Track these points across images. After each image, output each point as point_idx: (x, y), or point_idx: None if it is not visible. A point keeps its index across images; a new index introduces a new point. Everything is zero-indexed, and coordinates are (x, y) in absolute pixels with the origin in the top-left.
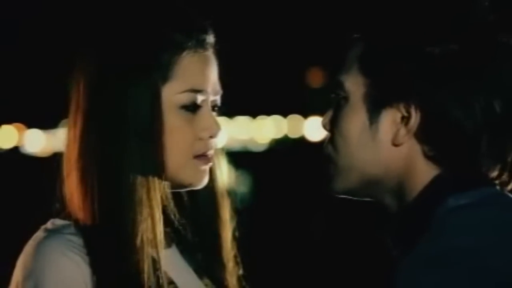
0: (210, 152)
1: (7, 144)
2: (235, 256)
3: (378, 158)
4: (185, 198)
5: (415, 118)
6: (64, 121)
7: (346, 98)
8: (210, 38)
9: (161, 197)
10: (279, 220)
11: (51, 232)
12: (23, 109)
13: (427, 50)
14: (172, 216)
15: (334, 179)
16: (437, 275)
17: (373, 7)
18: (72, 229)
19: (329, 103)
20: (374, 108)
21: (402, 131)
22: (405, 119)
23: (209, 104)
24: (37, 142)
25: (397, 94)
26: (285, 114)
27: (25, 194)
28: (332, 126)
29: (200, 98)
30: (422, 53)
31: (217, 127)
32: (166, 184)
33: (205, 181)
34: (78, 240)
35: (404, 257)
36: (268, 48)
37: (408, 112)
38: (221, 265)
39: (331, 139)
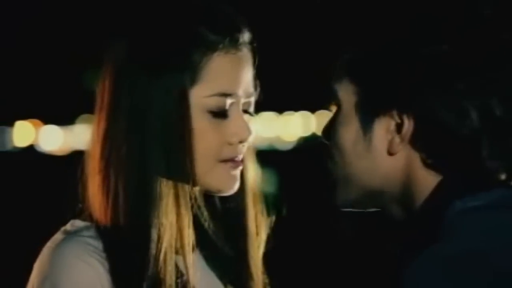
0: (239, 157)
1: (23, 142)
2: (262, 263)
3: (375, 168)
4: (217, 202)
5: (408, 125)
6: (82, 117)
7: (339, 107)
8: (244, 38)
9: (191, 203)
10: (307, 220)
11: (69, 235)
12: (38, 104)
13: (415, 53)
14: (203, 221)
15: (334, 191)
16: (456, 280)
17: (358, 14)
18: (92, 232)
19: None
20: (367, 117)
21: (396, 139)
22: (399, 127)
23: (240, 107)
24: (54, 139)
25: (388, 101)
26: (313, 110)
27: (44, 195)
28: (329, 136)
29: (229, 102)
30: (410, 56)
31: (248, 132)
32: (195, 189)
33: (235, 186)
34: (97, 244)
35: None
36: (295, 39)
37: (401, 119)
38: (248, 273)
39: (329, 150)
